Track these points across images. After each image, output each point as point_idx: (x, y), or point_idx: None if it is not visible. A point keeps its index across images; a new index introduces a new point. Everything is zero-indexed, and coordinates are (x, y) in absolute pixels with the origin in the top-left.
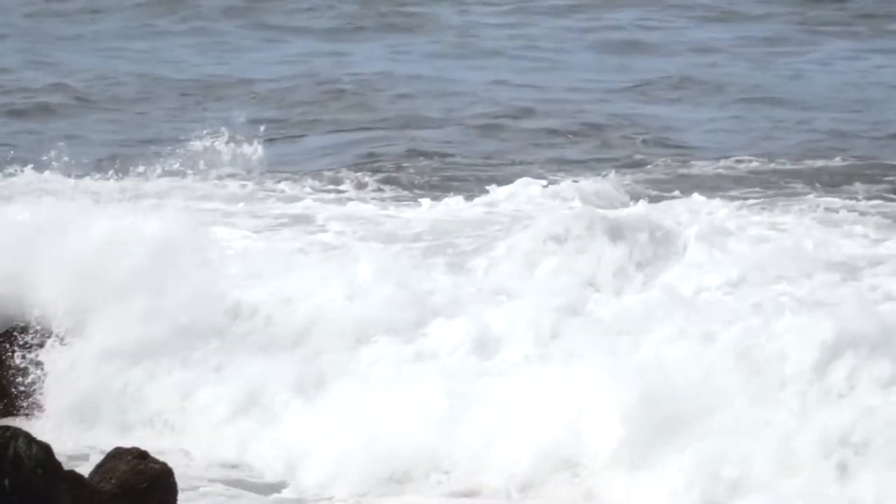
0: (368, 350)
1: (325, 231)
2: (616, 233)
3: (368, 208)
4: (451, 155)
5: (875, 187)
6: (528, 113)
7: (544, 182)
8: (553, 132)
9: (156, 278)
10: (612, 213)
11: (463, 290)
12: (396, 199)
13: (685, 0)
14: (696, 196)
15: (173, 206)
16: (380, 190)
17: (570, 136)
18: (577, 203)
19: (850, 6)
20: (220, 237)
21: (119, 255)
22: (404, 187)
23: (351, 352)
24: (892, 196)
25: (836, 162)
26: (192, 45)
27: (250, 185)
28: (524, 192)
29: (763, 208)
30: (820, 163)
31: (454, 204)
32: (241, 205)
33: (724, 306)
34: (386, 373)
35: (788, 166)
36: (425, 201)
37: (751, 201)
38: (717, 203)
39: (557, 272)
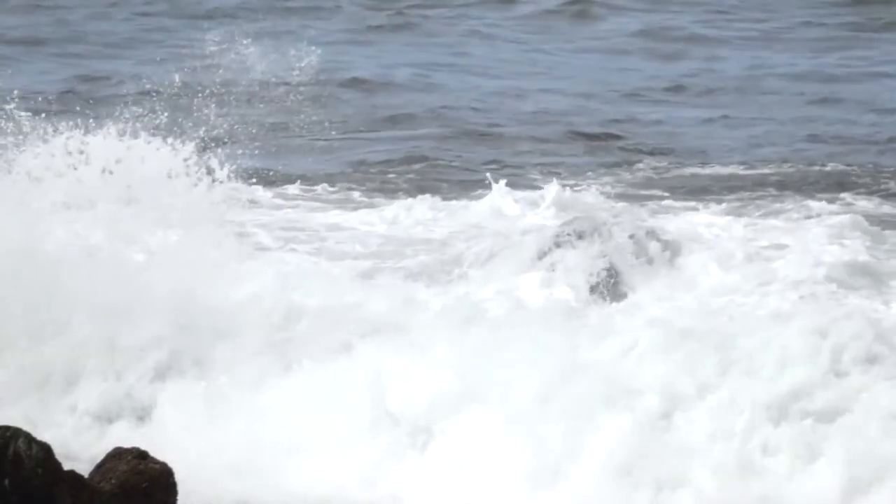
0: (279, 368)
1: (270, 239)
2: (587, 242)
3: (333, 216)
4: (445, 160)
5: (867, 194)
6: (525, 117)
7: (523, 190)
8: (547, 138)
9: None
10: (582, 222)
11: (396, 310)
12: (372, 205)
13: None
14: (670, 202)
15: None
16: (363, 197)
17: (565, 141)
18: (551, 211)
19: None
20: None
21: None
22: (390, 193)
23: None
24: (881, 203)
25: (831, 167)
26: (192, 46)
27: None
28: (500, 201)
29: (745, 216)
30: (814, 168)
31: (422, 214)
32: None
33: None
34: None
35: (786, 170)
36: (393, 211)
37: (730, 207)
38: (697, 212)
39: (501, 285)
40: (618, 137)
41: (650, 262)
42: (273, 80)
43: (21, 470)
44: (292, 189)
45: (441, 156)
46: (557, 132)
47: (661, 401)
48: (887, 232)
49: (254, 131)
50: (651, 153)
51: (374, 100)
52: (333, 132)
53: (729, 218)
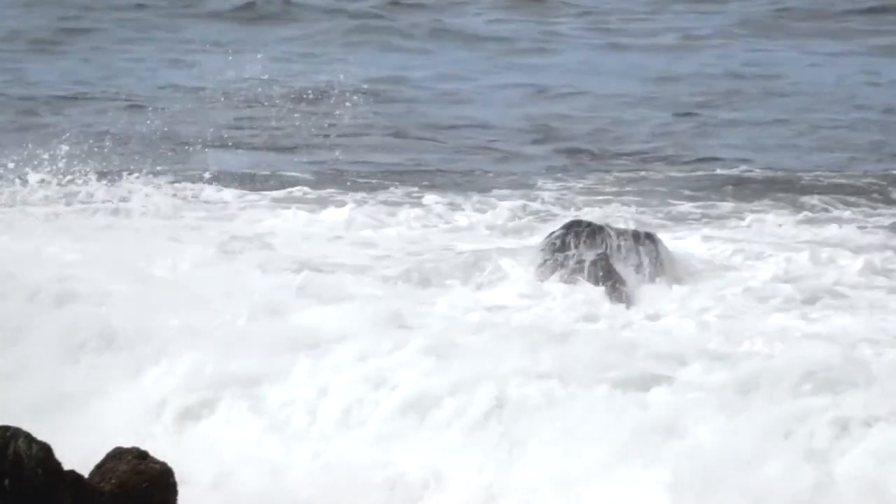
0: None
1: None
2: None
3: (310, 221)
4: (442, 167)
5: (863, 202)
6: (524, 124)
7: (518, 197)
8: (546, 146)
9: None
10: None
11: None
12: (367, 214)
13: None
14: (663, 208)
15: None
16: (340, 203)
17: (559, 149)
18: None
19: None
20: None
21: None
22: (384, 201)
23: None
24: (870, 213)
25: (829, 174)
26: (200, 52)
27: (181, 193)
28: (484, 211)
29: (732, 224)
30: (812, 174)
31: (410, 219)
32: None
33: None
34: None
35: (782, 176)
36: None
37: (723, 211)
38: (691, 220)
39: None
40: (613, 139)
41: (635, 271)
42: (275, 83)
43: (21, 470)
44: (276, 194)
45: (439, 163)
46: (555, 138)
47: None
48: (872, 243)
49: (248, 135)
50: (652, 158)
51: (376, 107)
52: (323, 137)
53: (713, 228)
